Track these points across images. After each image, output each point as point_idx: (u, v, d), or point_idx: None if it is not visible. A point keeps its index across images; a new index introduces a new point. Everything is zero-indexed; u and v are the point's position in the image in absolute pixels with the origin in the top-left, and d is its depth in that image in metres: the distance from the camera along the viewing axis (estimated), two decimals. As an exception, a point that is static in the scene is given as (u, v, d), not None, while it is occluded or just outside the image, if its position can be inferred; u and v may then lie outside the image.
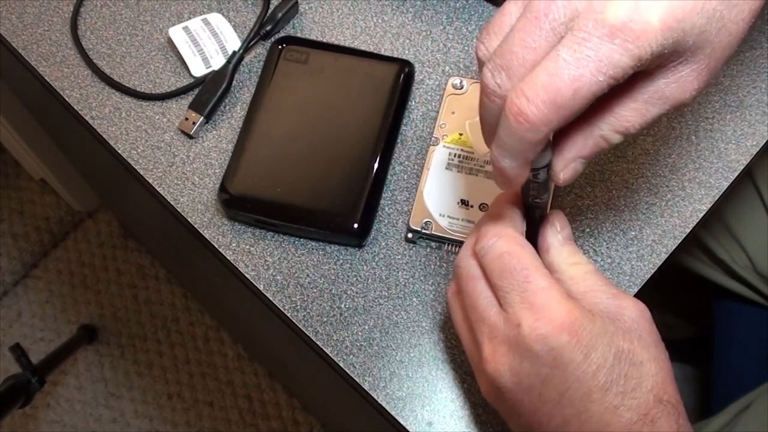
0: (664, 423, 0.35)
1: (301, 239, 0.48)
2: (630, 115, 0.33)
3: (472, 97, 0.50)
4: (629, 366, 0.35)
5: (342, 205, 0.47)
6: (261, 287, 0.47)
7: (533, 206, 0.39)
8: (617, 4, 0.29)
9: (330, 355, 0.46)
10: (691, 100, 0.33)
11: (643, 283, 0.47)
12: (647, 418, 0.35)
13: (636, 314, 0.37)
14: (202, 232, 0.49)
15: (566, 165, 0.35)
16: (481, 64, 0.33)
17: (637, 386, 0.35)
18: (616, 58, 0.29)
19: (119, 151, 0.51)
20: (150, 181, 0.50)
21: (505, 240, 0.38)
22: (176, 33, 0.52)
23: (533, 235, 0.40)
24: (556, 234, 0.40)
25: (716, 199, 0.49)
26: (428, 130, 0.51)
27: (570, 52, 0.29)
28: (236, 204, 0.48)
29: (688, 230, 0.48)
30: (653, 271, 0.47)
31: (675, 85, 0.32)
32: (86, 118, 0.52)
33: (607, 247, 0.48)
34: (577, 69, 0.29)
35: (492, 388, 0.38)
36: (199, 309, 1.30)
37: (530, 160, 0.33)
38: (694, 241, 0.72)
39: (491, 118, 0.33)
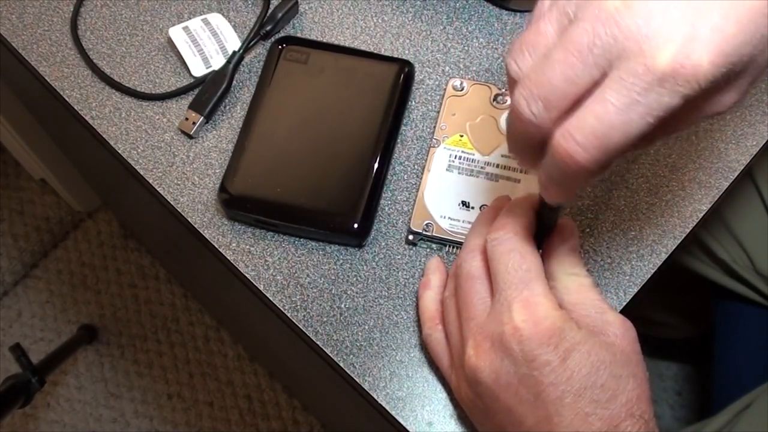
0: None
1: (301, 239, 0.48)
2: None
3: (473, 99, 0.50)
4: (607, 377, 0.36)
5: (342, 205, 0.47)
6: (261, 287, 0.47)
7: (548, 211, 0.40)
8: (666, 45, 0.28)
9: (330, 355, 0.46)
10: (728, 110, 0.32)
11: (643, 283, 0.47)
12: (617, 429, 0.35)
13: (621, 331, 0.38)
14: (202, 232, 0.49)
15: None
16: (512, 81, 0.33)
17: (612, 398, 0.36)
18: (665, 101, 0.28)
19: (119, 151, 0.51)
20: (150, 181, 0.50)
21: (519, 239, 0.39)
22: (176, 33, 0.52)
23: (541, 238, 0.41)
24: (563, 243, 0.41)
25: (716, 199, 0.49)
26: (428, 130, 0.51)
27: (618, 97, 0.29)
28: (236, 204, 0.48)
29: (688, 230, 0.48)
30: (653, 271, 0.47)
31: (716, 101, 0.32)
32: (86, 118, 0.52)
33: (607, 247, 0.48)
34: (626, 114, 0.29)
35: (471, 384, 0.39)
36: (199, 309, 1.30)
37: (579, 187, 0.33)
38: (694, 241, 0.72)
39: (522, 138, 0.33)
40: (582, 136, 0.29)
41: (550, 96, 0.30)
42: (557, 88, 0.30)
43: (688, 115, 0.32)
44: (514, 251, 0.38)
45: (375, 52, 0.53)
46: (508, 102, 0.50)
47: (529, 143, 0.33)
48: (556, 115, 0.31)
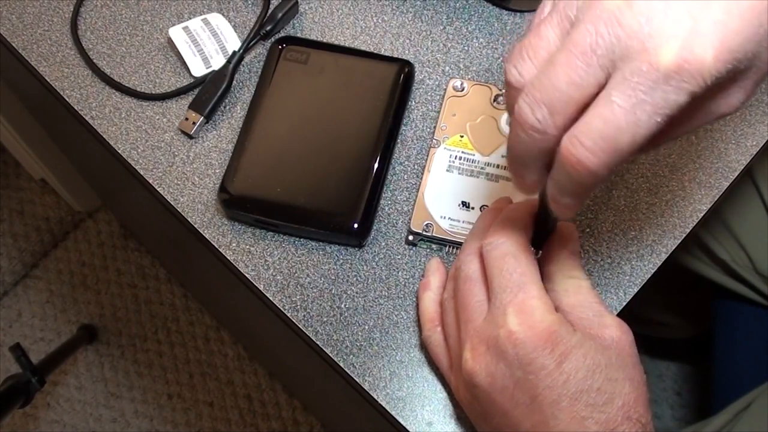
0: None
1: (301, 239, 0.48)
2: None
3: (473, 99, 0.50)
4: (603, 381, 0.36)
5: (342, 205, 0.47)
6: (261, 287, 0.47)
7: (549, 214, 0.40)
8: (669, 42, 0.28)
9: (330, 355, 0.46)
10: (735, 111, 0.32)
11: (643, 283, 0.47)
12: None
13: (617, 334, 0.38)
14: (202, 232, 0.49)
15: None
16: (510, 87, 0.32)
17: (609, 401, 0.35)
18: (672, 99, 0.28)
19: (119, 151, 0.51)
20: (150, 181, 0.50)
21: (513, 243, 0.39)
22: (176, 33, 0.52)
23: (541, 241, 0.41)
24: (563, 247, 0.41)
25: (716, 199, 0.49)
26: (428, 130, 0.51)
27: (624, 98, 0.28)
28: (236, 204, 0.48)
29: (688, 230, 0.48)
30: (653, 271, 0.47)
31: (722, 101, 0.31)
32: (86, 118, 0.52)
33: (607, 247, 0.48)
34: (633, 114, 0.28)
35: (468, 387, 0.39)
36: (199, 309, 1.30)
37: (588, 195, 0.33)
38: (694, 241, 0.72)
39: (525, 150, 0.32)
40: (590, 140, 0.29)
41: (555, 101, 0.30)
42: (562, 93, 0.30)
43: (695, 116, 0.31)
44: (508, 255, 0.38)
45: (375, 52, 0.53)
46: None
47: (532, 156, 0.32)
48: (561, 121, 0.30)
